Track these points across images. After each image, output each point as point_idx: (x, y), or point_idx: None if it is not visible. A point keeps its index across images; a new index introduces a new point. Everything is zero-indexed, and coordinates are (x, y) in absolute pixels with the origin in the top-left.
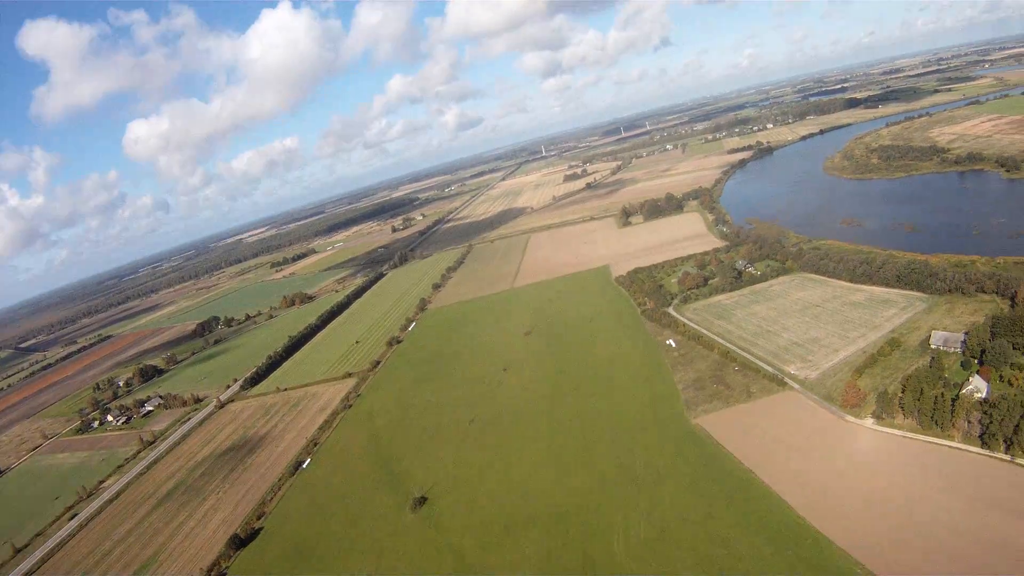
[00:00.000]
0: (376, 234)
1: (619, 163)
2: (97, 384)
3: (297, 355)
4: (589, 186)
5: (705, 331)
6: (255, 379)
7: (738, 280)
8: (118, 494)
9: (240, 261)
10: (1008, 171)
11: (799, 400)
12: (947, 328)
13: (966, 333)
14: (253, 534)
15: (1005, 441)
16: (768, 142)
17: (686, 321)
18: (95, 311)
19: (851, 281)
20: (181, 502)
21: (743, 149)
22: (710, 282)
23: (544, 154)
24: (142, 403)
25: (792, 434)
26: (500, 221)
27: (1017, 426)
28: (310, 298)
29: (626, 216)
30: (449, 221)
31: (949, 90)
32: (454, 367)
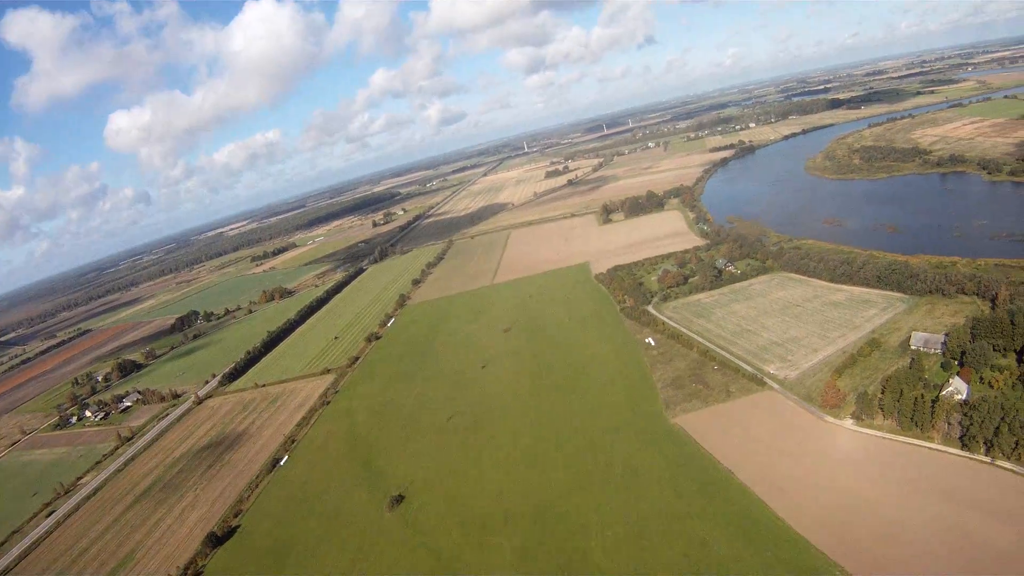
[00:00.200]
0: (357, 229)
1: (601, 160)
2: (76, 379)
3: (276, 351)
4: (571, 183)
5: (684, 330)
6: (234, 375)
7: (718, 279)
8: (96, 491)
9: (221, 255)
10: (990, 173)
11: (778, 400)
12: (927, 329)
13: (946, 334)
14: (230, 532)
15: (985, 443)
16: (750, 141)
17: (665, 319)
18: (75, 304)
19: (832, 281)
20: (158, 499)
21: (725, 148)
22: (690, 280)
23: (526, 150)
24: (120, 398)
25: (771, 434)
26: (481, 217)
27: (997, 428)
28: (290, 293)
29: (607, 213)
30: (430, 216)
31: (932, 92)
32: (433, 363)
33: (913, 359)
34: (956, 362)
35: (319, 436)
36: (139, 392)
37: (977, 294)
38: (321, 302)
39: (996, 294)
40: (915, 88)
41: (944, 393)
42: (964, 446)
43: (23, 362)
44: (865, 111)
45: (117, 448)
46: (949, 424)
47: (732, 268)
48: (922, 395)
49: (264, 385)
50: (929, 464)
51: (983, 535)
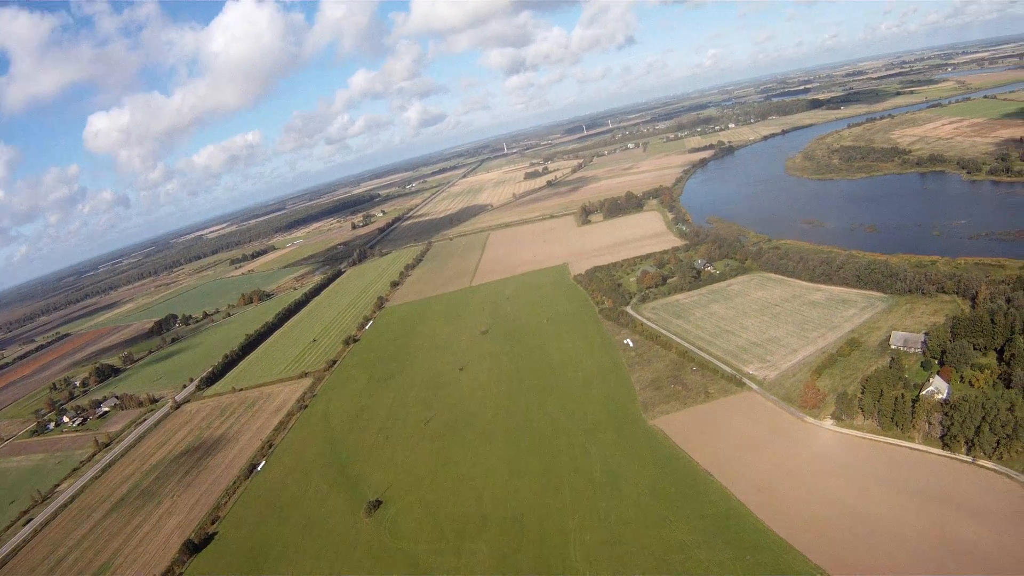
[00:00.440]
0: (336, 231)
1: (580, 161)
2: (54, 384)
3: (253, 354)
4: (550, 184)
5: (663, 330)
6: (211, 379)
7: (697, 279)
8: (73, 498)
9: (200, 258)
10: (969, 173)
11: (757, 401)
12: (907, 328)
13: (926, 334)
14: (207, 539)
15: (966, 443)
16: (730, 142)
17: (644, 320)
18: (53, 308)
19: (811, 281)
20: (136, 506)
21: (704, 148)
22: (669, 281)
23: (506, 151)
24: (98, 404)
25: (750, 436)
26: (460, 218)
27: (978, 428)
28: (268, 296)
29: (586, 214)
30: (409, 218)
31: (911, 92)
32: (410, 367)
33: (893, 358)
34: (936, 361)
35: (296, 441)
36: (117, 397)
37: (957, 293)
38: (299, 305)
39: (976, 293)
40: (895, 88)
41: (924, 392)
42: (945, 446)
43: (1, 367)
44: (845, 111)
45: (95, 454)
46: (930, 424)
47: (711, 268)
48: (902, 395)
49: (242, 389)
50: (910, 464)
51: (965, 536)
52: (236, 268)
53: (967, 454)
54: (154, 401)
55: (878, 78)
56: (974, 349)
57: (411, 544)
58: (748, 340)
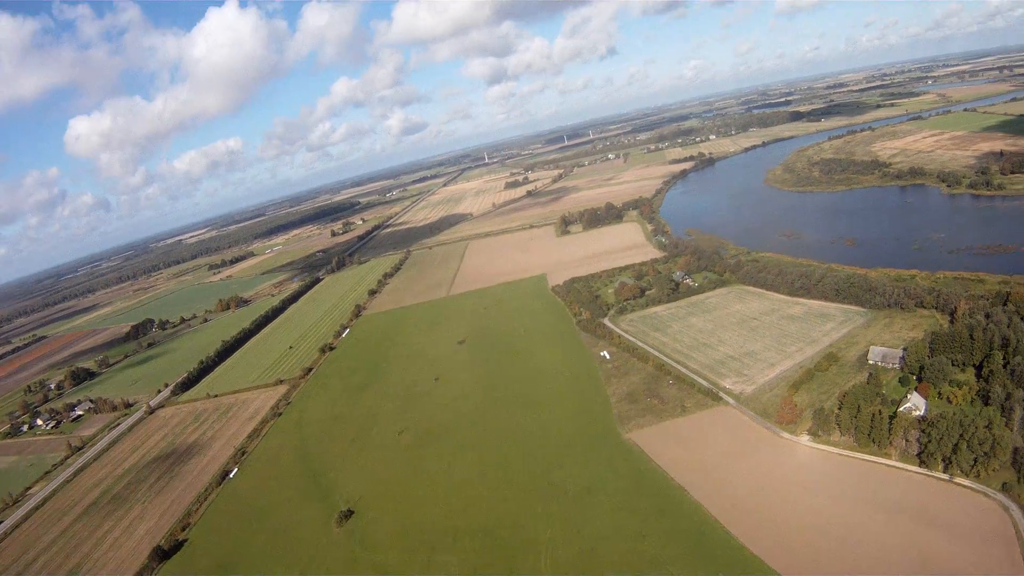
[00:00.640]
0: (316, 238)
1: (561, 171)
2: (29, 386)
3: (229, 360)
4: (530, 194)
5: (640, 343)
6: (186, 384)
7: (675, 291)
8: (44, 501)
9: (179, 263)
10: (949, 186)
11: (734, 416)
12: (886, 343)
13: (904, 349)
14: (177, 546)
15: (944, 460)
16: (710, 153)
17: (621, 332)
18: (31, 311)
19: (789, 294)
20: (107, 511)
21: (685, 160)
22: (647, 293)
23: (487, 161)
24: (72, 407)
25: (726, 451)
26: (439, 227)
27: (956, 445)
28: (246, 302)
29: (565, 225)
30: (389, 226)
31: (892, 105)
32: (386, 376)
33: (871, 374)
34: (914, 377)
35: (270, 448)
36: (91, 401)
37: (936, 308)
38: (277, 312)
39: (955, 308)
40: (875, 101)
41: (902, 409)
42: (922, 463)
43: None
44: (825, 124)
45: (67, 458)
46: (907, 441)
47: (690, 281)
48: (880, 411)
49: (217, 395)
50: (887, 481)
51: (942, 554)
52: (215, 273)
53: (944, 472)
54: (128, 406)
55: (859, 90)
56: (952, 365)
57: (382, 555)
58: (726, 354)
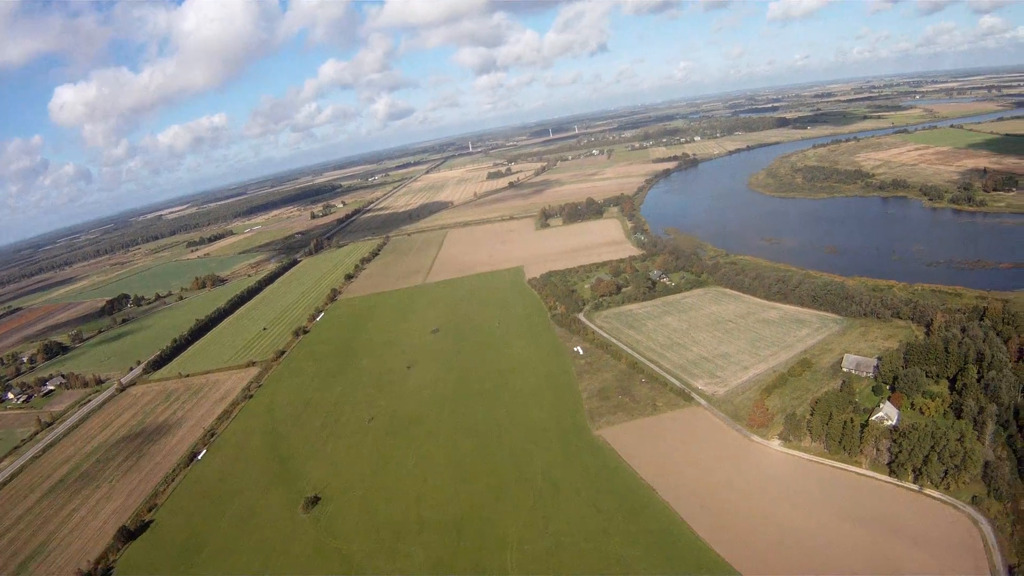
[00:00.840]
0: (295, 219)
1: (544, 164)
2: (1, 359)
3: (203, 340)
4: (512, 185)
5: (614, 340)
6: (159, 362)
7: (652, 290)
8: (12, 476)
9: (157, 238)
10: (931, 200)
11: (705, 417)
12: (860, 352)
13: (879, 358)
14: (143, 527)
15: (914, 471)
16: (695, 154)
17: (596, 328)
18: (7, 281)
19: (766, 298)
20: (74, 489)
21: (669, 159)
22: (623, 290)
23: (471, 150)
24: (44, 381)
25: (696, 452)
26: (420, 215)
27: (927, 457)
28: (222, 281)
29: (545, 218)
30: (369, 211)
31: (879, 117)
32: (358, 362)
33: (844, 382)
34: (888, 387)
35: (239, 431)
36: (63, 376)
37: (912, 319)
38: (252, 292)
39: (931, 320)
40: (862, 112)
41: (874, 418)
42: (892, 473)
43: None
44: (811, 131)
45: (36, 433)
46: (878, 450)
47: (667, 280)
48: (851, 419)
49: (188, 375)
50: (856, 489)
51: (909, 563)
52: (193, 251)
53: (914, 482)
54: (100, 382)
55: (847, 101)
56: (926, 377)
57: (346, 543)
58: (699, 354)
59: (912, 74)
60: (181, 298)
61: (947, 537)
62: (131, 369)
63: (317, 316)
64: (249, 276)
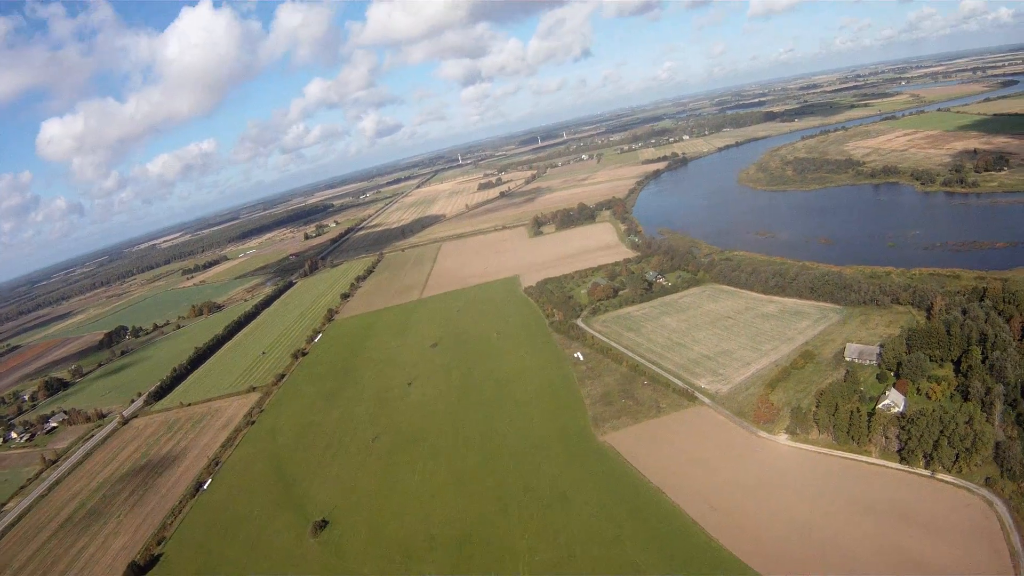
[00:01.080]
0: (289, 241)
1: (534, 172)
2: (2, 398)
3: (202, 367)
4: (503, 195)
5: (614, 344)
6: (160, 393)
7: (648, 291)
8: (19, 518)
9: (152, 268)
10: (923, 184)
11: (710, 415)
12: (862, 340)
13: (881, 345)
14: (152, 561)
15: (925, 457)
16: (684, 153)
17: (595, 333)
18: (5, 319)
19: (764, 292)
20: (82, 527)
21: (658, 160)
22: (620, 293)
23: (460, 162)
24: (46, 419)
25: (703, 451)
26: (413, 229)
27: (936, 441)
28: (219, 307)
29: (538, 226)
30: (362, 229)
31: (866, 105)
32: (359, 381)
33: (848, 371)
34: (892, 373)
35: (243, 458)
36: (65, 412)
37: (912, 304)
38: (249, 317)
39: (932, 304)
40: (849, 101)
41: (880, 406)
42: (903, 460)
43: None
44: (799, 124)
45: (42, 472)
46: (887, 438)
47: (663, 280)
48: (858, 408)
49: (190, 404)
50: (867, 479)
51: (924, 552)
52: (188, 279)
53: (926, 468)
54: (102, 416)
55: (833, 91)
56: (930, 361)
57: (357, 566)
58: (700, 353)
59: (897, 60)
60: (179, 327)
61: (963, 521)
62: (132, 401)
63: (315, 337)
64: (245, 301)
